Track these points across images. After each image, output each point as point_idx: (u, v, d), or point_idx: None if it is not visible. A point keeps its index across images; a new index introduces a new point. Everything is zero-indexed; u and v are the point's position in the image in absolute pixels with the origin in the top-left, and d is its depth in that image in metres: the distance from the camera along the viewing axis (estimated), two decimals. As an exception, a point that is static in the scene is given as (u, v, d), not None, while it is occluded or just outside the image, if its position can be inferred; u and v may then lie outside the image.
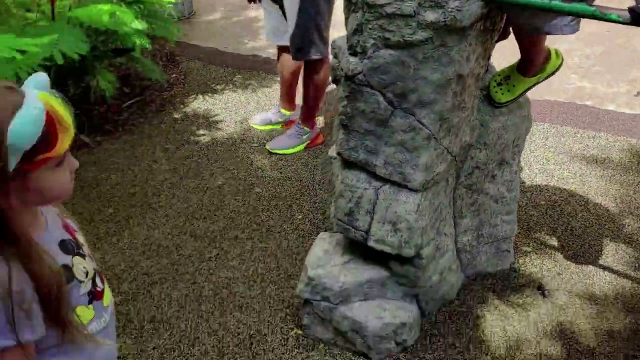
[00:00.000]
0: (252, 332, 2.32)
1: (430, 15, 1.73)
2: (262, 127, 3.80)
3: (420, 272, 2.18)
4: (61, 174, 1.08)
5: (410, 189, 2.03)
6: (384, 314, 2.16)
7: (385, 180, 2.05)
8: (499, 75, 2.27)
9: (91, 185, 3.26)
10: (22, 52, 2.76)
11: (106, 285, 1.29)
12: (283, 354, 2.22)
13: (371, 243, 2.12)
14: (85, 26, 3.47)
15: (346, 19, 1.95)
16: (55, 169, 1.06)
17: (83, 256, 1.22)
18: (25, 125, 0.97)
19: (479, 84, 2.13)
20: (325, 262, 2.25)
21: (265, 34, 3.67)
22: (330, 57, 2.29)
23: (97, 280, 1.25)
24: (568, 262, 2.63)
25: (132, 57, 4.09)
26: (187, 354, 2.21)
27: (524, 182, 3.15)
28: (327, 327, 2.24)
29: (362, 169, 2.07)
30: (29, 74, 2.69)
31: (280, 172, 3.36)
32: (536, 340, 2.26)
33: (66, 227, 1.24)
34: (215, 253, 2.74)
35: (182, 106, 4.19)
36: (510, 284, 2.53)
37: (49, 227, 1.17)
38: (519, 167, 2.50)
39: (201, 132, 3.82)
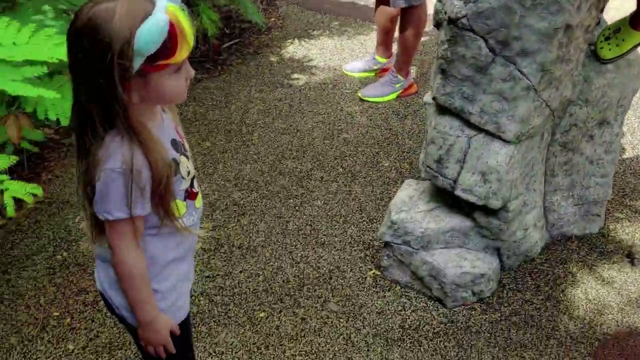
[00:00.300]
0: (331, 267, 2.41)
1: (545, -41, 1.67)
2: (356, 75, 3.82)
3: (504, 226, 2.17)
4: (178, 79, 1.17)
5: (504, 140, 2.01)
6: (463, 262, 2.18)
7: (479, 129, 2.04)
8: (609, 28, 2.16)
9: (190, 119, 3.42)
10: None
11: (200, 190, 1.40)
12: (360, 291, 2.30)
13: (458, 192, 2.12)
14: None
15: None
16: (173, 75, 1.15)
17: (187, 157, 1.33)
18: (151, 32, 1.05)
19: (587, 36, 2.04)
20: (409, 207, 2.28)
21: None
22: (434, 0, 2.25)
23: (195, 182, 1.35)
24: (663, 233, 2.52)
25: (234, -3, 4.19)
26: (270, 280, 2.34)
27: (624, 148, 3.01)
28: (404, 271, 2.29)
29: (457, 116, 2.06)
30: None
31: (370, 119, 3.38)
32: (619, 306, 2.21)
33: (177, 131, 1.34)
34: (301, 192, 2.83)
35: (278, 49, 4.27)
36: (597, 249, 2.46)
37: (165, 125, 1.28)
38: (620, 130, 2.39)
39: (295, 75, 3.89)
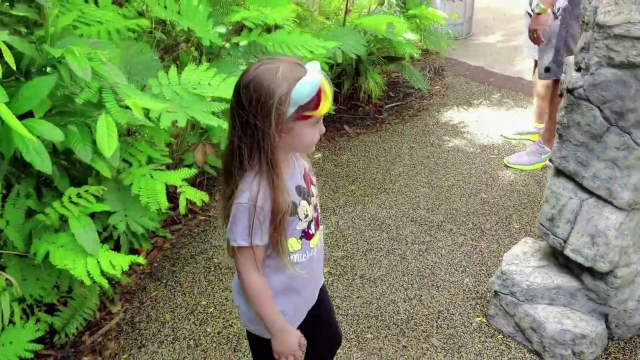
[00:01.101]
0: (441, 308, 2.59)
1: (658, 39, 1.81)
2: (512, 137, 4.01)
3: (612, 291, 2.20)
4: (314, 131, 1.44)
5: (615, 206, 2.09)
6: (565, 320, 2.24)
7: (591, 193, 2.14)
8: None
9: (343, 165, 3.85)
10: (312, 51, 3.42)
11: (319, 233, 1.62)
12: (463, 333, 2.44)
13: (567, 252, 2.22)
14: (367, 33, 4.09)
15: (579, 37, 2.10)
16: (312, 127, 1.42)
17: (309, 203, 1.56)
18: (305, 88, 1.32)
19: None
20: (520, 260, 2.41)
21: (523, 47, 3.83)
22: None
23: (312, 225, 1.58)
24: None
25: (402, 65, 4.63)
26: (382, 309, 2.59)
27: None
28: (509, 321, 2.39)
29: (570, 178, 2.19)
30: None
31: (511, 185, 3.52)
32: None
33: (305, 178, 1.60)
34: (428, 239, 3.06)
35: (436, 114, 4.58)
36: None
37: (294, 172, 1.55)
38: None
39: (447, 138, 4.16)
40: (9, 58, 1.76)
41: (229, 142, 1.44)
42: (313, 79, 1.34)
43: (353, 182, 3.63)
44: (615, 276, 2.17)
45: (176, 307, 2.65)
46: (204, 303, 2.67)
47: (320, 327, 1.79)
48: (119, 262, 2.02)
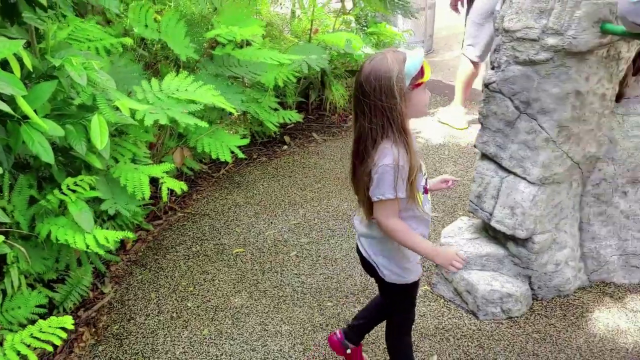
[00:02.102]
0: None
1: (551, 40, 2.24)
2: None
3: (532, 256, 2.60)
4: (425, 94, 1.76)
5: (529, 182, 2.51)
6: (494, 282, 2.63)
7: (508, 172, 2.56)
8: None
9: (311, 167, 4.24)
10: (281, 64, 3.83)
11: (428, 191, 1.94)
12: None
13: (493, 223, 2.63)
14: (331, 49, 4.52)
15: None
16: (423, 91, 1.74)
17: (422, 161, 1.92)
18: (413, 62, 1.67)
19: (605, 103, 2.49)
20: (456, 234, 2.81)
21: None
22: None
23: (428, 181, 1.97)
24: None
25: (364, 78, 5.05)
26: (342, 282, 2.96)
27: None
28: (449, 287, 2.78)
29: (492, 160, 2.61)
30: (283, 81, 3.75)
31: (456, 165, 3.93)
32: (635, 340, 2.49)
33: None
34: (385, 226, 3.45)
35: (396, 122, 5.01)
36: (633, 297, 2.75)
37: (414, 139, 1.87)
38: (656, 191, 2.73)
39: (404, 142, 4.58)
40: (15, 67, 2.13)
41: (359, 128, 1.77)
42: (416, 55, 1.70)
43: (319, 181, 4.03)
44: (533, 242, 2.58)
45: (160, 287, 3.00)
46: (184, 284, 3.02)
47: None
48: (111, 237, 2.38)
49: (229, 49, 3.67)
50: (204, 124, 2.80)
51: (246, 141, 3.54)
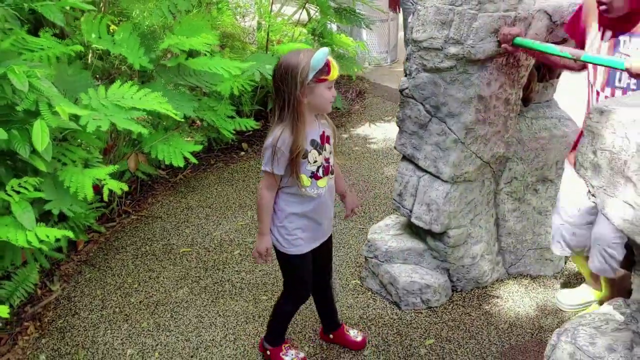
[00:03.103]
0: (327, 276, 3.15)
1: (452, 49, 2.45)
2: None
3: (449, 249, 2.80)
4: (328, 93, 2.00)
5: (442, 180, 2.70)
6: (414, 274, 2.82)
7: (424, 171, 2.76)
8: None
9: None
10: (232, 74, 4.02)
11: (327, 179, 2.17)
12: (341, 292, 3.01)
13: (413, 219, 2.82)
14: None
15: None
16: (327, 89, 1.99)
17: (319, 153, 2.13)
18: (319, 57, 1.92)
19: (510, 107, 2.70)
20: (382, 230, 3.00)
21: None
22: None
23: (321, 170, 2.15)
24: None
25: (321, 87, 5.26)
26: (279, 279, 3.13)
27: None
28: (375, 280, 2.97)
29: (410, 161, 2.81)
30: (238, 89, 3.94)
31: (402, 183, 4.13)
32: (539, 327, 2.68)
33: (322, 136, 2.15)
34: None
35: (351, 129, 5.21)
36: (545, 288, 2.95)
37: (315, 130, 2.09)
38: (565, 188, 2.93)
39: (356, 148, 4.79)
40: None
41: (273, 107, 2.10)
42: (322, 51, 1.96)
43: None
44: (449, 236, 2.77)
45: (106, 285, 3.16)
46: (130, 281, 3.19)
47: (321, 257, 2.40)
48: (53, 234, 2.54)
49: (181, 59, 3.86)
50: (144, 131, 2.98)
51: (199, 147, 3.72)
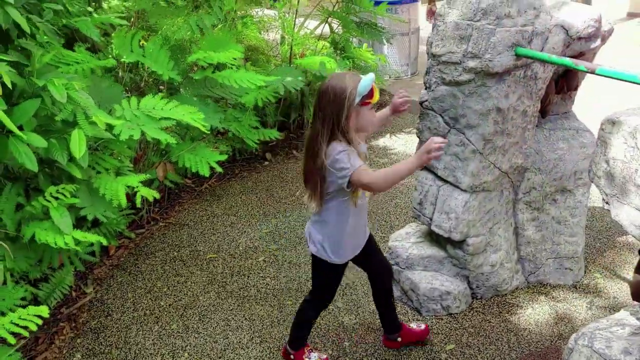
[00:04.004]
0: (349, 282, 3.24)
1: (471, 63, 2.54)
2: None
3: (468, 257, 2.87)
4: (371, 114, 2.17)
5: (461, 189, 2.78)
6: (434, 281, 2.90)
7: (444, 181, 2.84)
8: None
9: (288, 181, 4.54)
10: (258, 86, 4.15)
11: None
12: (362, 298, 3.09)
13: (433, 227, 2.90)
14: (309, 72, 4.85)
15: (430, 65, 2.83)
16: (369, 110, 2.14)
17: None
18: (366, 84, 2.07)
19: (527, 118, 2.77)
20: (403, 238, 3.09)
21: None
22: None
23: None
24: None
25: (343, 99, 5.37)
26: (303, 284, 3.23)
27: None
28: (397, 287, 3.05)
29: (430, 170, 2.89)
30: (263, 101, 4.08)
31: (423, 193, 4.21)
32: (557, 334, 2.74)
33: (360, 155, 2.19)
34: (349, 234, 3.73)
35: (373, 140, 5.31)
36: (563, 296, 3.00)
37: (358, 145, 2.17)
38: (584, 198, 2.99)
39: (377, 159, 4.88)
40: (6, 80, 2.46)
41: (314, 130, 2.14)
42: (370, 78, 2.09)
43: (294, 194, 4.32)
44: (468, 244, 2.84)
45: (137, 288, 3.29)
46: (159, 285, 3.31)
47: (372, 256, 2.54)
48: (89, 238, 2.68)
49: (208, 72, 4.01)
50: (172, 140, 3.11)
51: (224, 157, 3.85)
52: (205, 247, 3.68)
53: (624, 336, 1.95)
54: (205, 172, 3.68)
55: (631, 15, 9.54)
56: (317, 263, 2.40)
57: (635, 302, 2.34)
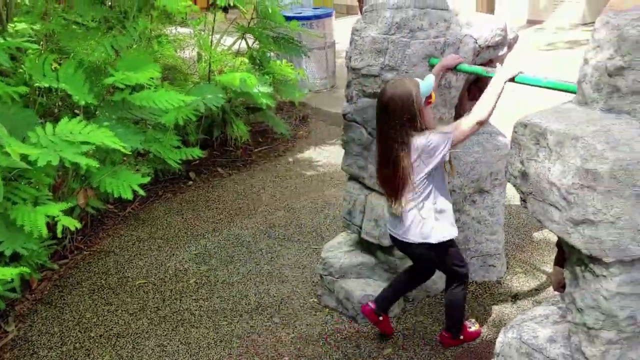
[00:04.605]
0: (284, 297, 3.25)
1: (389, 75, 2.64)
2: None
3: (398, 261, 2.95)
4: (431, 111, 2.42)
5: (388, 197, 2.86)
6: (368, 288, 2.96)
7: (370, 189, 2.92)
8: None
9: (214, 200, 4.50)
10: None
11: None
12: (299, 311, 3.11)
13: (363, 235, 2.96)
14: (229, 88, 4.84)
15: (350, 78, 2.91)
16: (430, 109, 2.39)
17: None
18: (428, 85, 2.32)
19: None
20: (335, 248, 3.14)
21: None
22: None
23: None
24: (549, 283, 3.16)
25: (265, 114, 5.41)
26: (237, 303, 3.21)
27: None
28: (332, 297, 3.09)
29: (357, 180, 2.96)
30: (184, 120, 4.02)
31: (350, 202, 4.29)
32: (490, 329, 2.87)
33: None
34: (279, 249, 3.74)
35: (298, 154, 5.36)
36: (489, 292, 3.14)
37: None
38: (501, 198, 3.15)
39: (303, 171, 4.93)
40: None
41: (385, 139, 2.33)
42: (428, 80, 2.35)
43: (222, 212, 4.29)
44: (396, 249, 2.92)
45: (64, 321, 3.15)
46: (88, 316, 3.19)
47: None
48: (7, 273, 2.54)
49: (125, 94, 3.91)
50: (93, 163, 3.02)
51: (147, 179, 3.77)
52: (134, 273, 3.58)
53: (549, 325, 2.07)
54: (128, 196, 3.59)
55: (530, 23, 10.16)
56: (441, 250, 2.47)
57: (556, 293, 2.49)
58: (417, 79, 2.32)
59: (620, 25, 1.65)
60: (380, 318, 2.77)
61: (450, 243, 2.49)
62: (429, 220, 2.42)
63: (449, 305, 2.68)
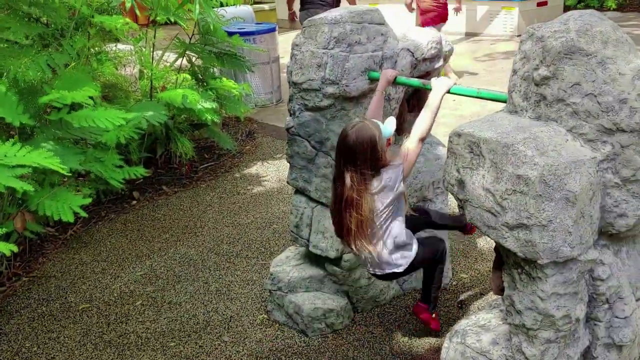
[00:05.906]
0: (233, 314, 3.21)
1: (330, 89, 2.66)
2: None
3: (346, 273, 2.97)
4: (390, 154, 2.34)
5: (333, 209, 2.88)
6: (317, 301, 2.96)
7: (317, 202, 2.93)
8: None
9: (160, 219, 4.42)
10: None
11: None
12: (249, 328, 3.08)
13: (310, 248, 2.97)
14: (172, 105, 4.78)
15: (292, 92, 2.93)
16: (389, 149, 2.35)
17: None
18: (387, 128, 2.34)
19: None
20: (284, 262, 3.13)
21: None
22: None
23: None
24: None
25: (210, 130, 5.36)
26: (185, 323, 3.15)
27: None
28: (282, 312, 3.07)
29: (303, 193, 2.97)
30: (126, 138, 3.94)
31: (297, 216, 4.29)
32: (436, 335, 2.92)
33: None
34: (228, 266, 3.70)
35: (245, 169, 5.33)
36: (438, 299, 3.19)
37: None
38: (444, 205, 3.23)
39: (250, 187, 4.90)
40: None
41: (349, 179, 2.30)
42: (390, 123, 2.40)
43: (167, 232, 4.21)
44: (344, 260, 2.94)
45: (1, 352, 3.01)
46: (28, 345, 3.06)
47: None
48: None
49: (63, 113, 3.81)
50: (29, 187, 2.93)
51: (88, 200, 3.67)
52: (77, 298, 3.46)
53: (491, 328, 2.12)
54: (69, 218, 3.49)
55: (469, 35, 10.52)
56: (416, 261, 2.51)
57: (497, 296, 2.56)
58: (377, 121, 2.37)
59: (544, 36, 1.73)
60: (434, 315, 2.85)
61: (418, 251, 2.53)
62: (394, 252, 2.44)
63: (430, 277, 2.76)
